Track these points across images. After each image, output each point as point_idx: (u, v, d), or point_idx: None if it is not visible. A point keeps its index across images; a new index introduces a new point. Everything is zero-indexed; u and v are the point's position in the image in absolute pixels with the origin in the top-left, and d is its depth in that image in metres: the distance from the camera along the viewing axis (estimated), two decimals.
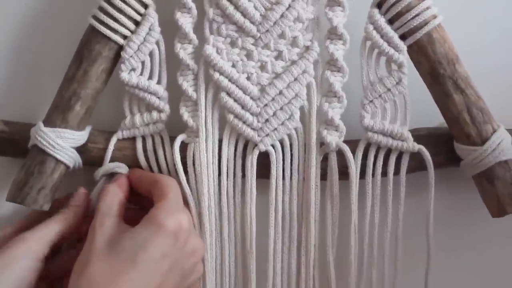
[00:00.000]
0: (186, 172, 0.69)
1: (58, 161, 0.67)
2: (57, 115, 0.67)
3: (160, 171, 0.69)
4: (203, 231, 0.68)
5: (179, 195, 0.65)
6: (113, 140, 0.69)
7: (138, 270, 0.57)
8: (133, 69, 0.67)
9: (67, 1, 0.71)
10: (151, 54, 0.68)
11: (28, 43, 0.73)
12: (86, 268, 0.58)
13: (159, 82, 0.68)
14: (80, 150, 0.69)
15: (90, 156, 0.70)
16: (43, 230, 0.64)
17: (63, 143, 0.66)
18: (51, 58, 0.73)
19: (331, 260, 0.68)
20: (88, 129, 0.69)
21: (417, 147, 0.66)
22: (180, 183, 0.67)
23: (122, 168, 0.69)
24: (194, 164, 0.68)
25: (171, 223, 0.60)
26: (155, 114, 0.68)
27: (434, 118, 0.69)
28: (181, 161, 0.68)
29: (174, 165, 0.68)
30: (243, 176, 0.69)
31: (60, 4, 0.72)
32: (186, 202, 0.68)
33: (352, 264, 0.68)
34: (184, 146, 0.69)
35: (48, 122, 0.67)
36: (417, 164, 0.67)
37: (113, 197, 0.65)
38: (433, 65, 0.64)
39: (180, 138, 0.68)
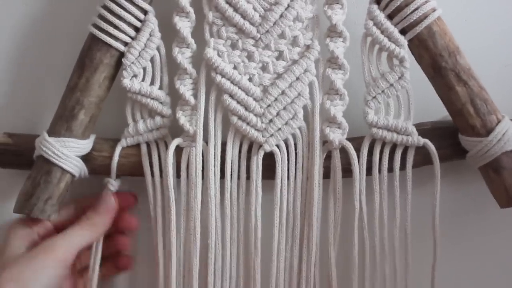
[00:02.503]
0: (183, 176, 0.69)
1: (64, 170, 0.67)
2: (61, 125, 0.67)
3: (162, 176, 0.69)
4: (194, 234, 0.67)
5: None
6: (118, 149, 0.69)
7: None
8: (135, 75, 0.67)
9: (67, 10, 0.72)
10: (152, 60, 0.68)
11: (29, 55, 0.73)
12: None
13: (161, 87, 0.68)
14: (86, 158, 0.69)
15: (96, 165, 0.70)
16: (72, 238, 0.66)
17: (68, 152, 0.67)
18: (52, 68, 0.73)
19: (333, 258, 0.68)
20: (92, 137, 0.69)
21: (422, 141, 0.66)
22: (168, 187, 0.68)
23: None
24: (187, 168, 0.68)
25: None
26: (158, 120, 0.68)
27: (437, 112, 0.69)
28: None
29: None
30: (247, 178, 0.68)
31: (60, 14, 0.72)
32: None
33: (356, 262, 0.68)
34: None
35: (53, 132, 0.67)
36: (422, 158, 0.67)
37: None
38: (434, 58, 0.64)
39: (175, 142, 0.68)
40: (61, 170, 0.67)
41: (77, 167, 0.68)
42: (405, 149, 0.67)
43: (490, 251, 0.74)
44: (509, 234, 0.73)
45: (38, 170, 0.67)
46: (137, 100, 0.68)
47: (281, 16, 0.65)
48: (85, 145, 0.68)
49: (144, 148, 0.69)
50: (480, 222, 0.73)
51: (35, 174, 0.67)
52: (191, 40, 0.67)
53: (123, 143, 0.69)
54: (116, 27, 0.66)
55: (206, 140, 0.68)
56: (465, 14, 0.71)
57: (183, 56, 0.67)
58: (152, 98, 0.68)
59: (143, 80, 0.68)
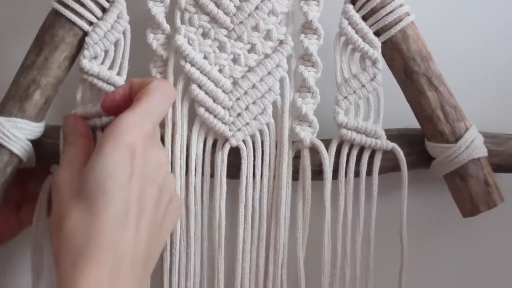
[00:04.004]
0: None
1: (12, 153, 0.62)
2: (14, 104, 0.62)
3: None
4: None
5: (156, 103, 0.57)
6: None
7: (111, 197, 0.51)
8: (95, 57, 0.63)
9: None
10: (116, 44, 0.64)
11: None
12: (62, 224, 0.51)
13: (119, 74, 0.64)
14: (35, 144, 0.64)
15: (45, 152, 0.65)
16: None
17: (19, 134, 0.62)
18: (5, 44, 0.69)
19: (301, 259, 0.66)
20: (44, 121, 0.65)
21: (390, 145, 0.65)
22: None
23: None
24: None
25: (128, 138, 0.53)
26: None
27: (402, 120, 0.69)
28: None
29: None
30: (212, 174, 0.65)
31: None
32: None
33: (326, 265, 0.66)
34: None
35: (3, 111, 0.62)
36: (388, 164, 0.66)
37: (74, 148, 0.59)
38: (407, 62, 0.64)
39: None
40: (10, 153, 0.62)
41: (26, 152, 0.63)
42: (372, 153, 0.66)
43: (454, 259, 0.74)
44: (471, 243, 0.74)
45: None
46: (92, 83, 0.63)
47: (256, 8, 0.63)
48: (38, 128, 0.63)
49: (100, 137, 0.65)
50: (442, 232, 0.73)
51: None
52: (167, 26, 0.64)
53: None
54: (82, 4, 0.62)
55: None
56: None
57: (158, 43, 0.64)
58: (109, 83, 0.63)
59: (102, 63, 0.64)
